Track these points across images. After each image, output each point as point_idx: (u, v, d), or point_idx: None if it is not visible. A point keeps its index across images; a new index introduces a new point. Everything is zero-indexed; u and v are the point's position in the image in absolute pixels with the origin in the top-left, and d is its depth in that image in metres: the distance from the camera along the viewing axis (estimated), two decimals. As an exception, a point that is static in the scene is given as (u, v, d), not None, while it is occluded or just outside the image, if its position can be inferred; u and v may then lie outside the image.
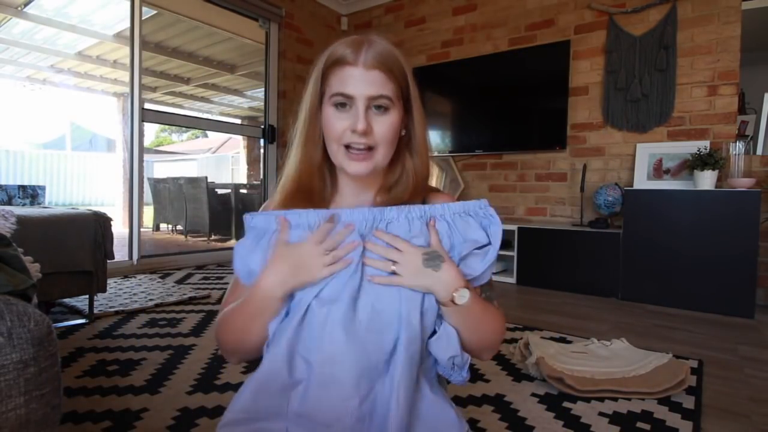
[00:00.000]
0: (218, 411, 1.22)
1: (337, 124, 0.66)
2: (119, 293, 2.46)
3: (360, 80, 0.64)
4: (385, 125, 0.66)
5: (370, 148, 0.66)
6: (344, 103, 0.65)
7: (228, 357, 0.73)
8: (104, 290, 2.02)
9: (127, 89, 3.10)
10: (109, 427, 1.13)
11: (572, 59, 3.19)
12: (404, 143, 0.72)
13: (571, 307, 2.52)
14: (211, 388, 1.35)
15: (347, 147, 0.66)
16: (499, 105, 3.53)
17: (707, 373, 1.58)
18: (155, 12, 3.86)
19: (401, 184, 0.71)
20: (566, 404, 1.32)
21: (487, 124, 3.58)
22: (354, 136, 0.65)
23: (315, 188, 0.71)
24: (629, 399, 1.35)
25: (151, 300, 2.32)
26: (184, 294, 2.47)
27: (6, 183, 2.69)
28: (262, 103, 3.94)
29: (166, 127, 14.70)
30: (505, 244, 3.31)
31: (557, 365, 1.46)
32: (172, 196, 5.57)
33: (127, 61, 3.07)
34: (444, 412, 0.65)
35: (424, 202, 0.72)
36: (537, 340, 1.64)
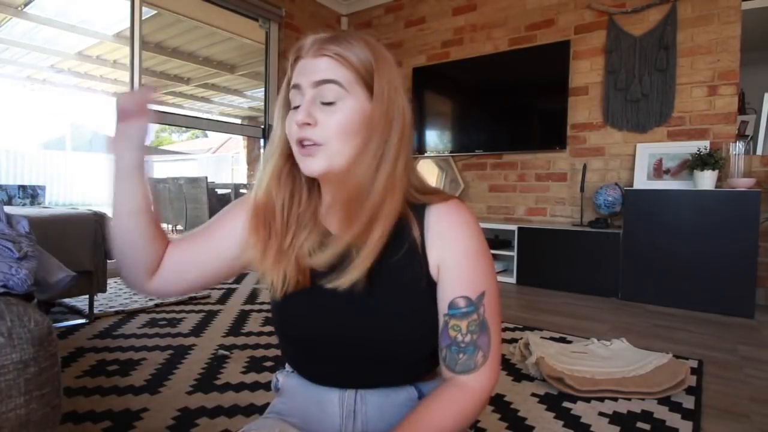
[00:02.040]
0: (218, 411, 1.22)
1: (291, 122, 0.59)
2: (119, 293, 2.46)
3: (307, 69, 0.58)
4: (333, 117, 0.57)
5: (318, 144, 0.58)
6: (299, 104, 0.59)
7: None
8: (104, 290, 2.02)
9: (127, 89, 3.09)
10: (109, 427, 1.13)
11: (572, 59, 3.19)
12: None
13: (571, 307, 2.52)
14: (211, 388, 1.35)
15: (301, 144, 0.59)
16: (499, 105, 3.53)
17: (707, 373, 1.58)
18: (155, 12, 3.86)
19: (372, 192, 0.60)
20: (566, 404, 1.32)
21: (487, 124, 3.58)
22: (300, 132, 0.58)
23: (273, 204, 0.64)
24: (629, 399, 1.35)
25: (151, 300, 2.32)
26: (184, 294, 2.47)
27: (6, 183, 2.69)
28: (262, 103, 3.94)
29: (166, 127, 14.70)
30: (505, 243, 3.31)
31: (557, 365, 1.46)
32: (172, 196, 5.56)
33: (127, 61, 3.06)
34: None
35: (420, 217, 0.64)
36: (537, 340, 1.64)
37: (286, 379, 0.74)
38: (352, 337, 0.63)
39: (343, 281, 0.59)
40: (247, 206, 0.65)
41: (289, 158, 0.64)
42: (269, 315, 2.17)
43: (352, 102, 0.58)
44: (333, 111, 0.58)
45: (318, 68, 0.58)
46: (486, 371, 0.61)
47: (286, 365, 0.77)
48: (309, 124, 0.57)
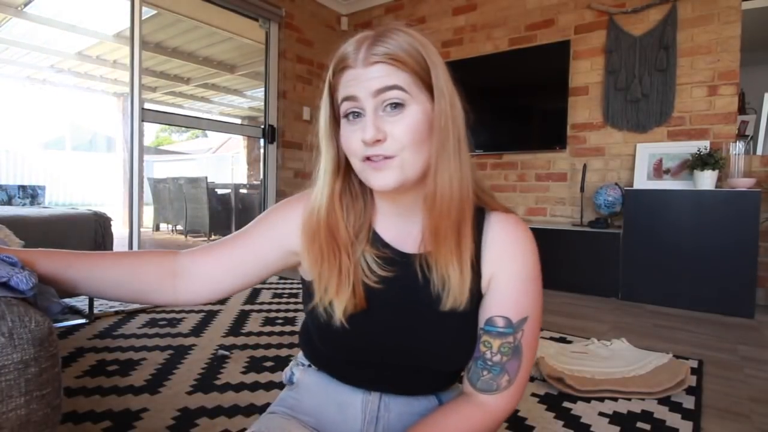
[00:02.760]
0: (218, 411, 1.22)
1: (352, 138, 0.55)
2: (119, 293, 2.46)
3: (360, 78, 0.54)
4: (401, 126, 0.53)
5: (390, 157, 0.55)
6: (356, 112, 0.55)
7: None
8: (104, 290, 2.02)
9: (127, 89, 3.09)
10: (109, 427, 1.13)
11: (572, 59, 3.19)
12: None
13: (571, 307, 2.52)
14: (211, 388, 1.35)
15: (368, 158, 0.55)
16: (499, 105, 3.53)
17: (707, 373, 1.58)
18: (155, 12, 3.86)
19: (441, 196, 0.56)
20: (566, 404, 1.32)
21: (487, 124, 3.58)
22: (369, 149, 0.54)
23: (339, 224, 0.61)
24: (629, 399, 1.35)
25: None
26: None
27: (6, 183, 2.69)
28: (262, 103, 3.94)
29: (166, 127, 14.70)
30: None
31: (557, 365, 1.46)
32: (172, 196, 5.57)
33: (127, 61, 3.06)
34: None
35: (478, 223, 0.62)
36: (537, 340, 1.64)
37: (303, 374, 0.72)
38: (406, 348, 0.61)
39: (443, 306, 0.59)
40: (308, 236, 0.61)
41: (345, 176, 0.61)
42: (269, 315, 2.17)
43: (416, 106, 0.55)
44: (399, 119, 0.54)
45: (374, 75, 0.53)
46: (508, 395, 0.59)
47: (300, 356, 0.75)
48: (379, 140, 0.53)
